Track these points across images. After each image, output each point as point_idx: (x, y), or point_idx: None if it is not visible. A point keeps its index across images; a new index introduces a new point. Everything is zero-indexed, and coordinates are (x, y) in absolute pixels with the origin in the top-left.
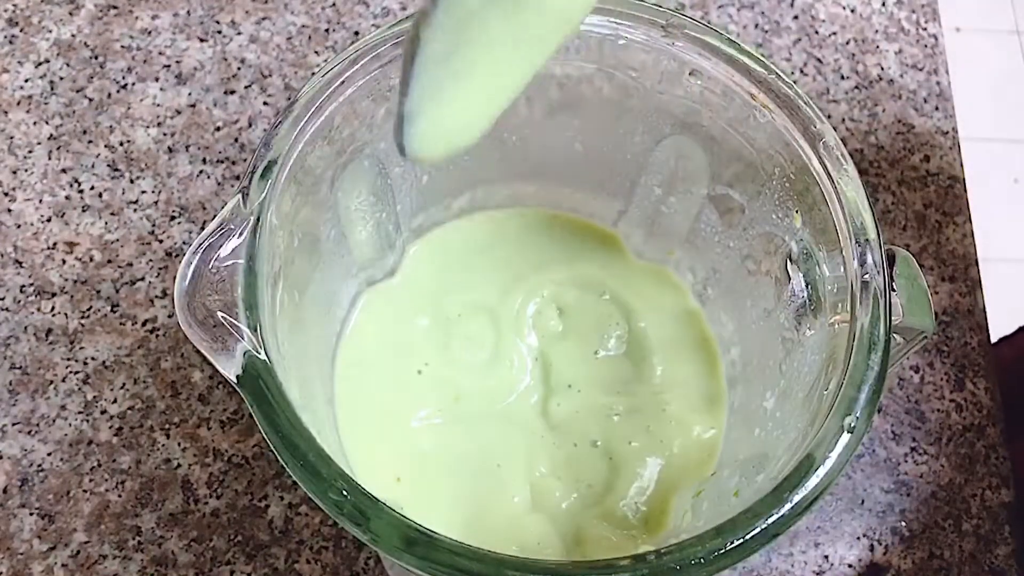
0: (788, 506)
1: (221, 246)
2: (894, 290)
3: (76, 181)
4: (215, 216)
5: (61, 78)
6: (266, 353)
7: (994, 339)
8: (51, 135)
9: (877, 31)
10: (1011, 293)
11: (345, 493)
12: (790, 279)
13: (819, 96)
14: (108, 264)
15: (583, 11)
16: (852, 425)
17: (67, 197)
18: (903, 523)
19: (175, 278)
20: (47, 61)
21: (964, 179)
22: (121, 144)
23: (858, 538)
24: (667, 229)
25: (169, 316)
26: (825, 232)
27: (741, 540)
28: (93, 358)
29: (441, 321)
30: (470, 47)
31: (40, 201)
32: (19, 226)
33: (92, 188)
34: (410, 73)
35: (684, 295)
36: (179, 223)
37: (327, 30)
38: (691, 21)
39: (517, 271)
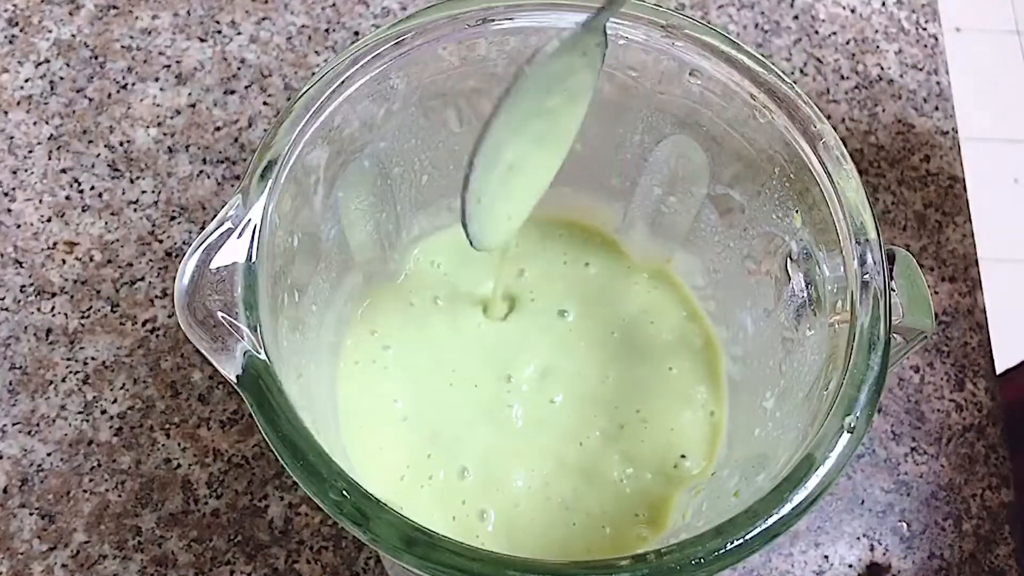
0: (788, 506)
1: (221, 246)
2: (894, 290)
3: (76, 181)
4: (215, 216)
5: (61, 78)
6: (266, 353)
7: (996, 355)
8: (51, 135)
9: (877, 31)
10: (1011, 293)
11: (345, 493)
12: (790, 279)
13: (819, 96)
14: (108, 264)
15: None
16: (852, 425)
17: (67, 197)
18: (903, 523)
19: (175, 278)
20: (47, 61)
21: (964, 179)
22: (121, 144)
23: (858, 538)
24: (667, 229)
25: (169, 316)
26: (825, 232)
27: (741, 540)
28: (93, 358)
29: (444, 322)
30: (513, 153)
31: (40, 201)
32: (19, 226)
33: (92, 188)
34: (471, 177)
35: (684, 295)
36: (179, 223)
37: (327, 30)
38: (691, 21)
39: (518, 272)
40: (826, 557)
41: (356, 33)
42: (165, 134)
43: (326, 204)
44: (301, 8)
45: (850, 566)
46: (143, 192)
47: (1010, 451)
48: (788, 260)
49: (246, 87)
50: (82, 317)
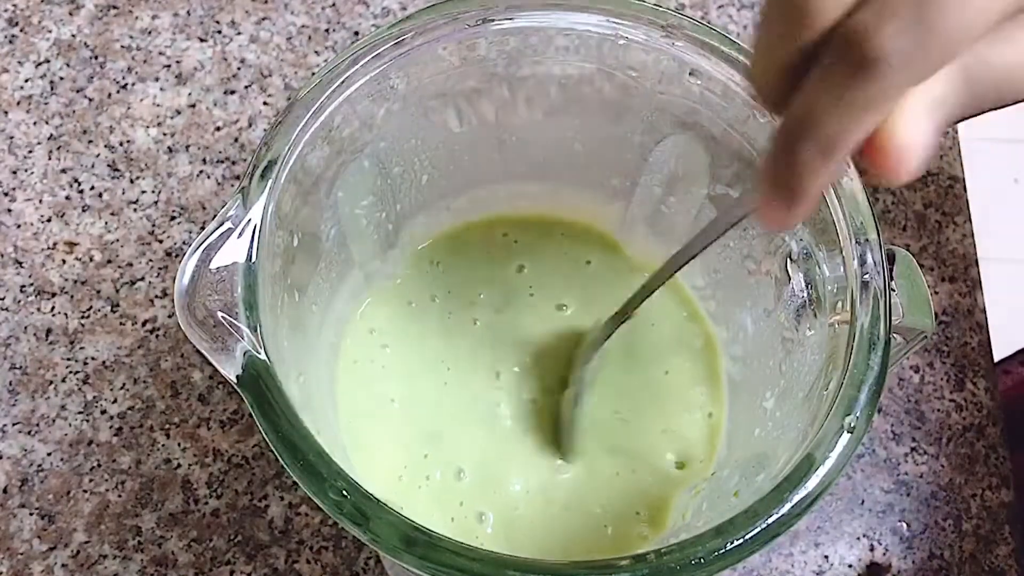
0: (788, 506)
1: (221, 246)
2: (894, 290)
3: (76, 181)
4: (215, 216)
5: (61, 78)
6: (266, 353)
7: (995, 354)
8: (51, 135)
9: None
10: (1011, 293)
11: (345, 493)
12: (790, 279)
13: None
14: (108, 264)
15: None
16: (852, 425)
17: (67, 197)
18: (903, 523)
19: (175, 278)
20: (47, 61)
21: (964, 179)
22: (121, 144)
23: (858, 538)
24: (667, 229)
25: (169, 316)
26: (825, 232)
27: (741, 540)
28: (93, 358)
29: (441, 320)
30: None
31: (40, 201)
32: (19, 226)
33: (92, 188)
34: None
35: (684, 295)
36: (179, 223)
37: (327, 30)
38: (691, 21)
39: (517, 272)
40: (826, 557)
41: (356, 33)
42: (165, 134)
43: (326, 204)
44: (301, 8)
45: (850, 566)
46: (143, 192)
47: (1009, 447)
48: (788, 260)
49: (246, 87)
50: (82, 317)
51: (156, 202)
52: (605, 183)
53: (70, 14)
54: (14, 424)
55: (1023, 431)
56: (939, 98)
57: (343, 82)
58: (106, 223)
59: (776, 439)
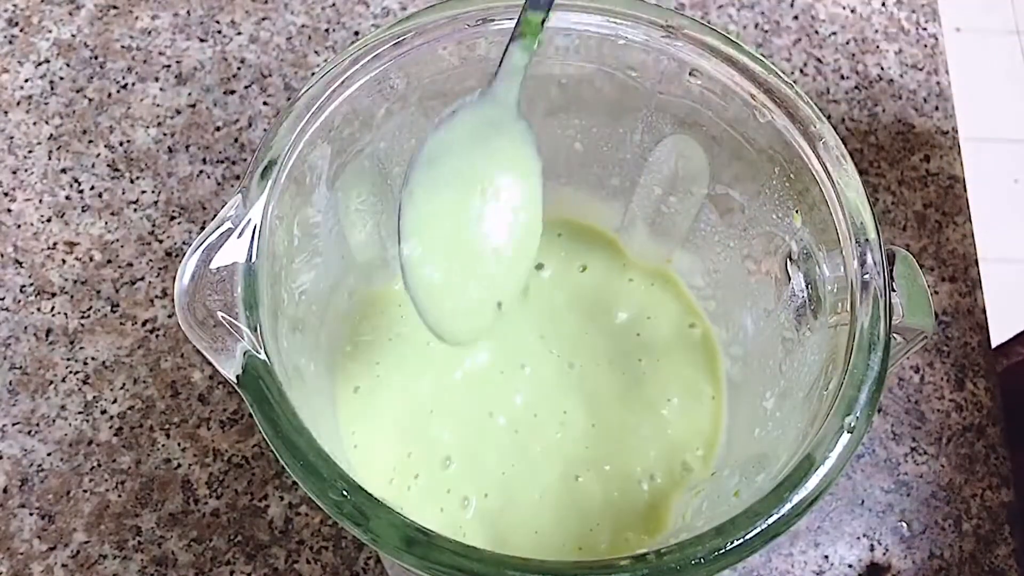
0: (788, 506)
1: (221, 246)
2: (894, 290)
3: (76, 181)
4: (215, 216)
5: (61, 78)
6: (266, 353)
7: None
8: (51, 135)
9: (877, 31)
10: (1011, 293)
11: (345, 493)
12: (790, 279)
13: (819, 96)
14: (108, 264)
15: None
16: (852, 425)
17: (67, 197)
18: (903, 523)
19: (175, 278)
20: (47, 61)
21: (964, 179)
22: (121, 144)
23: (858, 538)
24: (667, 229)
25: (169, 316)
26: (825, 232)
27: (741, 540)
28: (93, 358)
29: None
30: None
31: (40, 201)
32: (19, 226)
33: (92, 188)
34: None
35: (684, 295)
36: (179, 223)
37: (327, 30)
38: (691, 21)
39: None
40: (826, 557)
41: (356, 33)
42: (165, 134)
43: (326, 204)
44: (301, 8)
45: (850, 566)
46: (143, 192)
47: (1009, 447)
48: (788, 260)
49: (246, 87)
50: (82, 317)
51: (156, 202)
52: (605, 183)
53: (70, 14)
54: (14, 424)
55: (1023, 430)
56: None
57: (343, 82)
58: (106, 223)
59: (776, 439)
